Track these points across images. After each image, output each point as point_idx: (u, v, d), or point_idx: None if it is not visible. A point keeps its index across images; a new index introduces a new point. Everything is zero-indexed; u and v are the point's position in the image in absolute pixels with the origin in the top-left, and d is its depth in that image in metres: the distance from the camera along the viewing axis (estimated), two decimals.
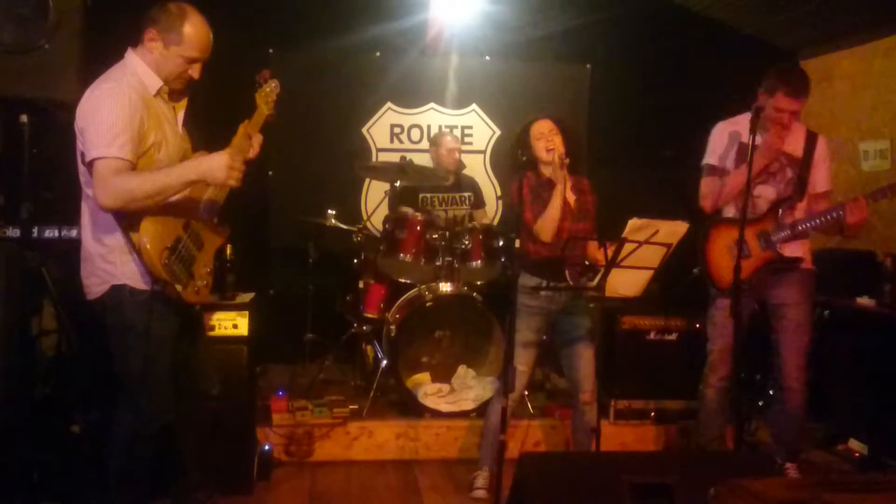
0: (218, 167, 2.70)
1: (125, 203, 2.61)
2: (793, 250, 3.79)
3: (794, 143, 3.83)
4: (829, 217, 3.66)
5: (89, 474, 3.53)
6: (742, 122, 3.82)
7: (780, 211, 3.78)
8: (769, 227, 3.79)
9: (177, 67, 2.80)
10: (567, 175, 3.64)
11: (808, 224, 3.71)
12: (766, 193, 3.84)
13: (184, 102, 2.97)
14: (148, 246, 2.64)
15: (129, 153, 2.62)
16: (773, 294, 3.85)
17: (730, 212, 3.94)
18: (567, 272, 3.59)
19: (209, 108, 3.38)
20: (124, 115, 2.62)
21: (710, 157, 3.94)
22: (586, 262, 3.66)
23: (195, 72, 2.84)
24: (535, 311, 3.65)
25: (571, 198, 3.67)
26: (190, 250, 2.83)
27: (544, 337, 3.86)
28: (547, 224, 3.56)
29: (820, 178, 3.83)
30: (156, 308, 2.76)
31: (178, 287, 2.73)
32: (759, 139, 3.62)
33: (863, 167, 5.34)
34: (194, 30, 2.78)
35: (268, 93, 3.14)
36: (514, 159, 3.74)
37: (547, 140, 3.63)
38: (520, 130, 3.77)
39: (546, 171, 3.66)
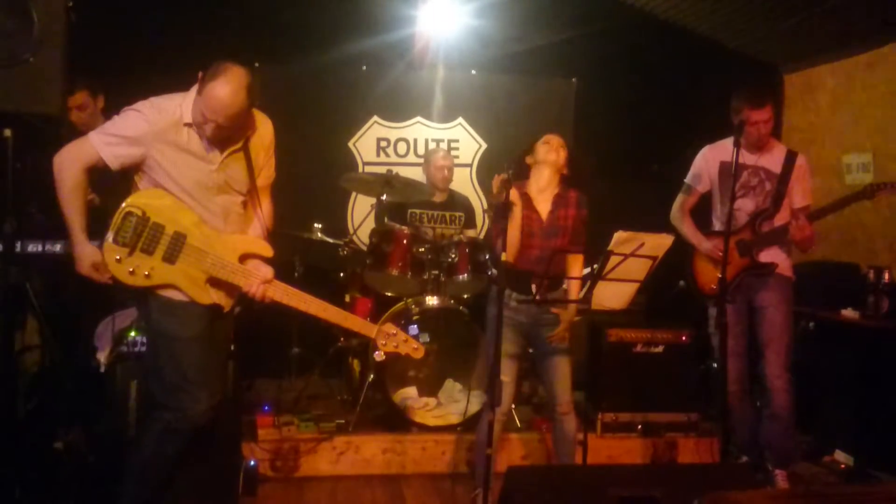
0: (81, 266, 2.91)
1: (55, 171, 2.86)
2: (768, 256, 4.02)
3: (774, 160, 4.06)
4: (781, 230, 3.96)
5: (72, 491, 3.51)
6: (725, 144, 4.09)
7: (758, 222, 4.02)
8: (747, 236, 4.02)
9: (198, 116, 2.87)
10: (556, 186, 3.66)
11: (773, 232, 3.99)
12: (745, 206, 4.07)
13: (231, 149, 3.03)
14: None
15: (109, 155, 2.85)
16: (757, 298, 4.06)
17: (716, 226, 4.21)
18: (533, 286, 3.56)
19: None
20: (132, 130, 2.86)
21: (687, 176, 4.28)
22: (563, 278, 3.64)
23: (208, 129, 2.86)
24: (509, 323, 3.62)
25: (546, 211, 3.64)
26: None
27: (530, 350, 3.85)
28: (503, 247, 3.47)
29: (798, 194, 4.04)
30: (177, 311, 2.92)
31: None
32: (742, 155, 3.83)
33: (846, 180, 5.38)
34: (212, 92, 2.79)
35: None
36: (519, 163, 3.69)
37: (553, 147, 3.64)
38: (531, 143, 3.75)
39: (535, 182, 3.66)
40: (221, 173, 3.01)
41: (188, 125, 2.91)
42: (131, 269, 2.87)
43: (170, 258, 2.90)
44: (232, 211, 3.08)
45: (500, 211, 3.51)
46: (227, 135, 2.95)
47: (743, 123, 3.84)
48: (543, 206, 3.65)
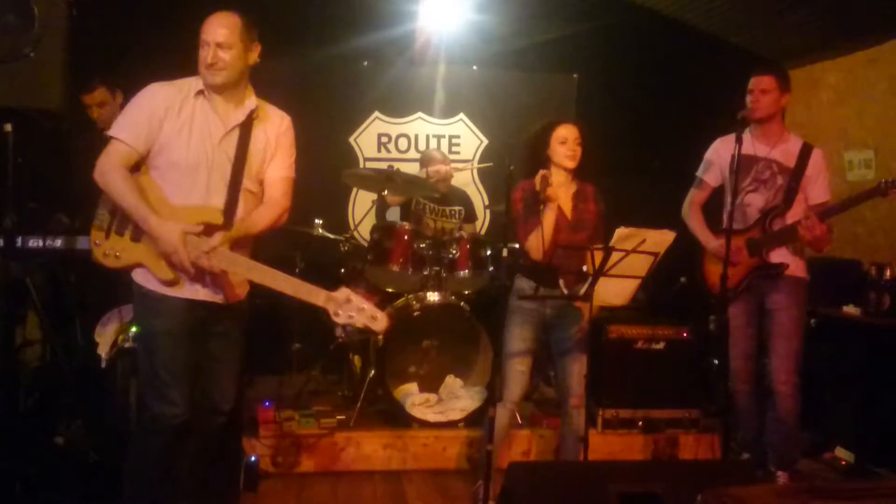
0: (168, 242, 2.78)
1: (102, 186, 2.86)
2: (779, 256, 3.88)
3: (788, 153, 3.92)
4: (793, 229, 3.79)
5: (73, 486, 3.51)
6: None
7: (769, 219, 3.88)
8: (757, 235, 3.89)
9: (200, 54, 2.91)
10: (572, 182, 3.65)
11: (784, 231, 3.84)
12: (755, 202, 3.94)
13: (239, 113, 3.01)
14: None
15: (132, 137, 2.85)
16: (768, 299, 3.94)
17: (727, 221, 4.01)
18: (561, 280, 3.56)
19: None
20: (146, 107, 2.88)
21: (699, 170, 4.17)
22: (583, 269, 3.62)
23: (209, 56, 2.87)
24: (531, 315, 3.62)
25: (569, 207, 3.63)
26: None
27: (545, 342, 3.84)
28: (536, 244, 3.49)
29: (815, 190, 3.90)
30: (152, 304, 2.89)
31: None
32: (749, 147, 3.70)
33: (848, 177, 5.37)
34: (207, 18, 2.92)
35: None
36: (533, 158, 3.64)
37: (570, 147, 3.58)
38: (539, 130, 3.67)
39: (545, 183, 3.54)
40: (222, 148, 2.96)
41: (199, 92, 2.93)
42: (106, 252, 2.91)
43: (136, 237, 2.90)
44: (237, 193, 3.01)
45: (533, 207, 3.51)
46: (228, 70, 2.90)
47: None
48: (565, 202, 3.62)
